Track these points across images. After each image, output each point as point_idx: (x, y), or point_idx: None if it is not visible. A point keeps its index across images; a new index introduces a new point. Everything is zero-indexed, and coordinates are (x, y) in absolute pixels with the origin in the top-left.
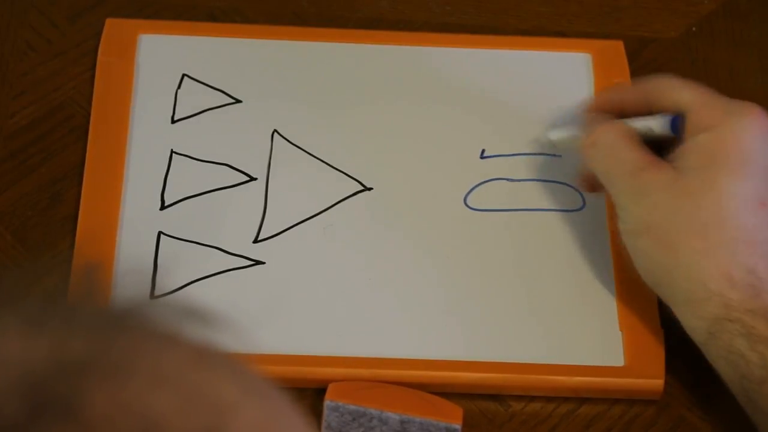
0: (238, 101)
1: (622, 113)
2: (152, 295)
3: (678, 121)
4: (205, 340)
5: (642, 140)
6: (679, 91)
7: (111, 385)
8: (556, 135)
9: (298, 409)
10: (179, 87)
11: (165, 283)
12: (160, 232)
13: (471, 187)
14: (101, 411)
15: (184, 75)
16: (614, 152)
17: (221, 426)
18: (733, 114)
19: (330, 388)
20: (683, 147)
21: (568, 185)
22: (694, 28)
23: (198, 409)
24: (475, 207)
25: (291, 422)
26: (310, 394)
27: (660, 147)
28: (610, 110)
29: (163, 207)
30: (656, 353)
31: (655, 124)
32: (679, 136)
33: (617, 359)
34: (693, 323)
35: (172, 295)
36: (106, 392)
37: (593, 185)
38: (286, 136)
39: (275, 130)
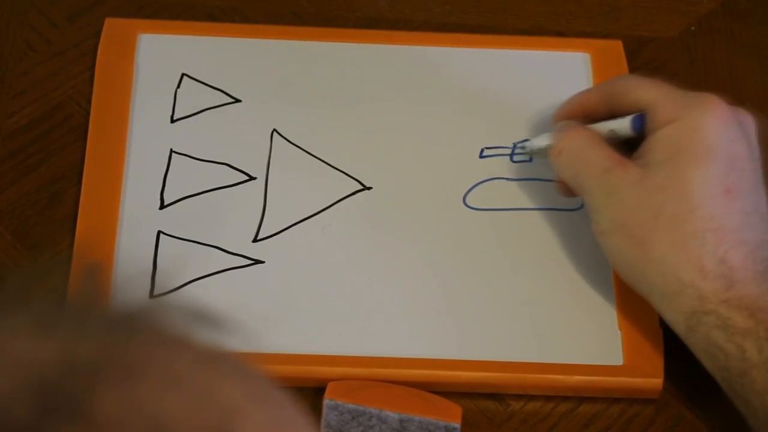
0: (237, 101)
1: (589, 117)
2: (152, 295)
3: (639, 120)
4: (214, 343)
5: (607, 143)
6: (639, 90)
7: (121, 386)
8: (530, 145)
9: (302, 410)
10: (178, 86)
11: (164, 283)
12: (159, 232)
13: (470, 186)
14: (111, 412)
15: (183, 74)
16: (581, 157)
17: (230, 429)
18: (693, 105)
19: (329, 387)
20: (647, 142)
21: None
22: (693, 28)
23: (207, 411)
24: (474, 206)
25: (297, 425)
26: (310, 393)
27: (632, 147)
28: (577, 116)
29: (162, 206)
30: (655, 352)
31: (618, 126)
32: (644, 134)
33: (616, 358)
34: (671, 317)
35: (178, 297)
36: (116, 394)
37: (568, 190)
38: (285, 136)
39: (275, 130)
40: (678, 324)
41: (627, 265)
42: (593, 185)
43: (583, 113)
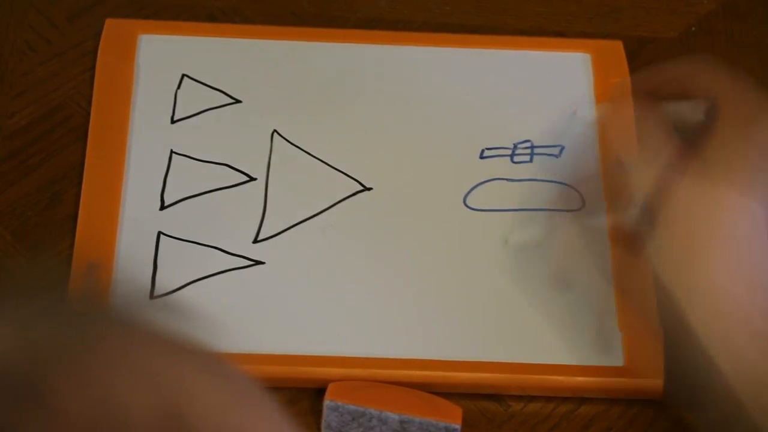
0: (237, 101)
1: (657, 95)
2: (152, 296)
3: (711, 111)
4: (178, 333)
5: (674, 127)
6: (713, 78)
7: (76, 370)
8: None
9: (270, 398)
10: (179, 87)
11: (165, 283)
12: (159, 232)
13: (470, 187)
14: (66, 395)
15: (183, 75)
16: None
17: (182, 406)
18: (765, 110)
19: (329, 388)
20: (713, 138)
21: (567, 185)
22: (693, 28)
23: (159, 390)
24: (474, 207)
25: (259, 410)
26: (310, 394)
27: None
28: (647, 91)
29: (162, 207)
30: (655, 353)
31: (689, 110)
32: (711, 125)
33: (616, 359)
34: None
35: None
36: (71, 377)
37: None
38: (285, 136)
39: (275, 130)
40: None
41: (673, 267)
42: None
43: (651, 90)
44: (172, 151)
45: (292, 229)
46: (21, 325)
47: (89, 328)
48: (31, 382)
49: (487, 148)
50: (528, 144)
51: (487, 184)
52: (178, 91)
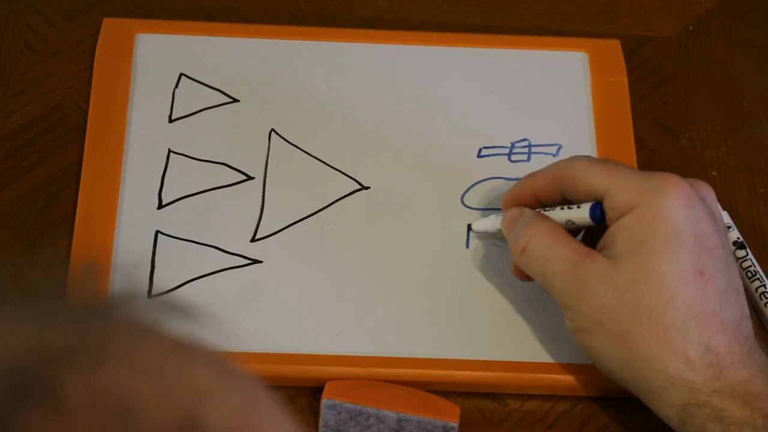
0: (235, 100)
1: (540, 202)
2: (150, 294)
3: (597, 209)
4: (185, 333)
5: (569, 233)
6: (591, 176)
7: (90, 372)
8: (479, 226)
9: (280, 402)
10: (176, 86)
11: (162, 282)
12: (157, 231)
13: (468, 186)
14: (80, 396)
15: (181, 74)
16: (545, 254)
17: (198, 412)
18: (652, 189)
19: (327, 386)
20: (609, 233)
21: None
22: (691, 28)
23: (175, 395)
24: (472, 206)
25: (270, 413)
26: (308, 393)
27: (590, 233)
28: (528, 200)
29: (160, 206)
30: None
31: (575, 216)
32: (604, 223)
33: None
34: (663, 412)
35: (155, 292)
36: (84, 378)
37: (525, 274)
38: (283, 135)
39: (272, 129)
40: (671, 418)
41: (609, 363)
42: (561, 283)
43: (534, 198)
44: (169, 150)
45: (289, 228)
46: (39, 325)
47: (106, 331)
48: (46, 384)
49: (485, 147)
50: (526, 143)
51: (484, 183)
52: (176, 90)
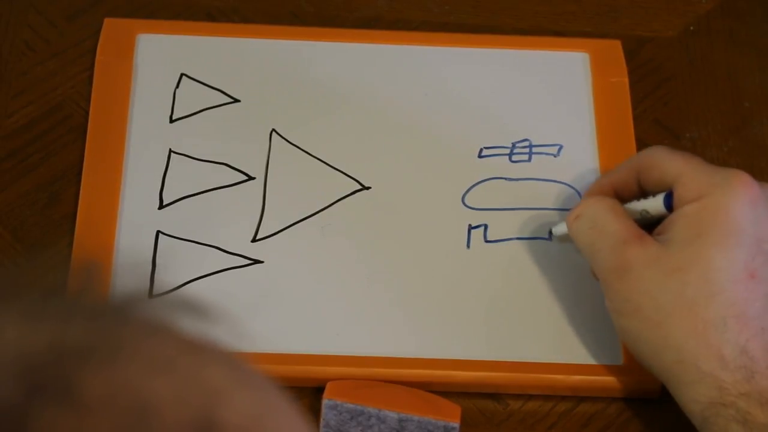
0: (236, 101)
1: (621, 196)
2: (151, 294)
3: (671, 198)
4: (201, 333)
5: (640, 223)
6: (666, 163)
7: (108, 369)
8: (559, 230)
9: (292, 402)
10: (177, 86)
11: (163, 282)
12: (158, 231)
13: (469, 186)
14: (97, 393)
15: (182, 74)
16: (598, 225)
17: (214, 411)
18: (720, 183)
19: (328, 386)
20: (670, 219)
21: (566, 184)
22: (692, 28)
23: (191, 394)
24: (472, 206)
25: (284, 412)
26: (309, 393)
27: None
28: (609, 195)
29: (161, 206)
30: None
31: (650, 206)
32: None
33: (615, 358)
34: (688, 405)
35: (156, 292)
36: (103, 376)
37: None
38: (284, 136)
39: (273, 130)
40: (694, 413)
41: (641, 347)
42: (608, 259)
43: (615, 192)
44: (170, 150)
45: (290, 228)
46: (56, 322)
47: (123, 329)
48: (63, 381)
49: (486, 147)
50: (526, 143)
51: (485, 183)
52: (177, 90)
